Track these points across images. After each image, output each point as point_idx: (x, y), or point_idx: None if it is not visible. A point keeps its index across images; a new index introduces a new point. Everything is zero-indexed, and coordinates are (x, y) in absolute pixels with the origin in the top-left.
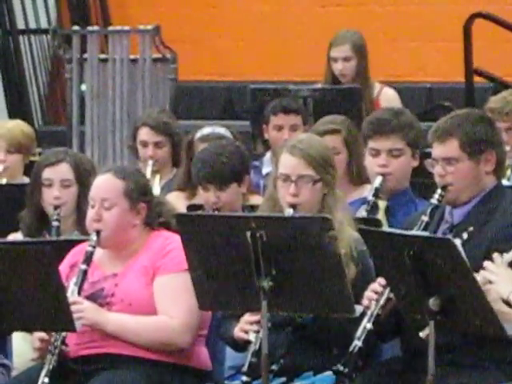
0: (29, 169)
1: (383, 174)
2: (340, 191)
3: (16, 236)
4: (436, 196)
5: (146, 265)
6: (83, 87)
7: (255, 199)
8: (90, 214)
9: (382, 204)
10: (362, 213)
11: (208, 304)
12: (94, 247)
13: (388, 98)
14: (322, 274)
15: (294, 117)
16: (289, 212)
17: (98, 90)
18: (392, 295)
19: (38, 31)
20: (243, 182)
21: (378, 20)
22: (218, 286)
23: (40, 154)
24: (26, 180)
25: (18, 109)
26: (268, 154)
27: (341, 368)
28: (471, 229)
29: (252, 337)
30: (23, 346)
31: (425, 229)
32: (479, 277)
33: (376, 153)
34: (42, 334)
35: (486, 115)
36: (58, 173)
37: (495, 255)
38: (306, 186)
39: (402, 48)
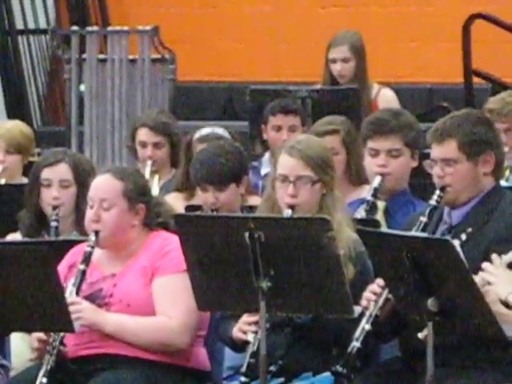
0: (28, 169)
1: (382, 174)
2: (339, 192)
3: (15, 236)
4: (434, 197)
5: (144, 265)
6: (82, 87)
7: (254, 200)
8: (89, 214)
9: (380, 204)
10: (361, 213)
11: (206, 304)
12: (93, 247)
13: (386, 98)
14: (321, 275)
15: (293, 117)
16: (287, 213)
17: (97, 90)
18: (390, 296)
19: (37, 31)
20: (242, 182)
21: (378, 21)
22: (217, 286)
23: (39, 154)
24: (25, 180)
25: (16, 109)
26: (267, 155)
27: (339, 369)
28: (470, 230)
29: (250, 337)
30: (21, 346)
31: (423, 230)
32: (478, 278)
33: (375, 153)
34: (41, 335)
35: (485, 116)
36: (57, 173)
37: (494, 256)
38: (305, 186)
39: (402, 48)
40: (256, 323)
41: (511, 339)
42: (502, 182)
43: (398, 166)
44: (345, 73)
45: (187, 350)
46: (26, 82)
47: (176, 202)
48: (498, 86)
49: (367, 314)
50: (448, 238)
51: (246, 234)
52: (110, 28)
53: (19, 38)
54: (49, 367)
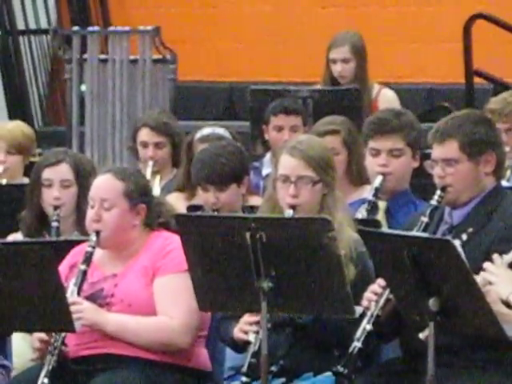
0: (29, 169)
1: (383, 174)
2: (340, 192)
3: (16, 236)
4: (435, 197)
5: (145, 265)
6: (83, 88)
7: (255, 200)
8: (90, 214)
9: (381, 204)
10: (362, 213)
11: (208, 305)
12: (94, 248)
13: (387, 99)
14: (322, 275)
15: (295, 117)
16: (288, 213)
17: (98, 90)
18: (391, 296)
19: (38, 32)
20: (243, 182)
21: (378, 21)
22: (218, 286)
23: (40, 154)
24: (26, 181)
25: (17, 109)
26: (268, 155)
27: (340, 369)
28: (471, 230)
29: (252, 337)
30: (23, 346)
31: (424, 230)
32: (479, 278)
33: (376, 153)
34: (42, 335)
35: (486, 116)
36: (58, 173)
37: (495, 256)
38: (306, 187)
39: (403, 49)
40: (257, 323)
41: None
42: (503, 182)
43: (399, 165)
44: (345, 73)
45: (188, 350)
46: (27, 82)
47: (177, 202)
48: (500, 87)
49: (368, 314)
50: (449, 238)
51: (247, 234)
52: (111, 28)
53: (20, 38)
54: (50, 367)
